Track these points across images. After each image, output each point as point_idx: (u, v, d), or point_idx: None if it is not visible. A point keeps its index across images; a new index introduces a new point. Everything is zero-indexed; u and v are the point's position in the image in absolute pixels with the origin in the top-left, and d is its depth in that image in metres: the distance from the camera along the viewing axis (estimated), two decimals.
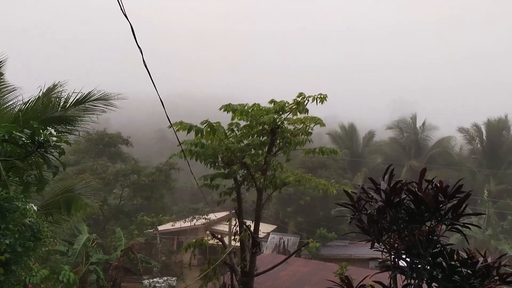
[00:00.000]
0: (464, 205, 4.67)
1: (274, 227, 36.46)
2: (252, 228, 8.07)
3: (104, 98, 6.48)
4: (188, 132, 6.03)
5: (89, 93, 6.38)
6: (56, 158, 4.19)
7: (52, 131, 3.96)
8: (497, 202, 32.50)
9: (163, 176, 29.04)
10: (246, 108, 7.46)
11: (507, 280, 4.77)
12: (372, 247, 5.41)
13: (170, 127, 5.73)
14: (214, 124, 6.67)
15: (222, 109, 6.92)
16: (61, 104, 6.38)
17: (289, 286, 17.34)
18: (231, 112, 7.31)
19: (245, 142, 7.80)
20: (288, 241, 31.89)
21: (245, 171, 7.82)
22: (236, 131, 7.82)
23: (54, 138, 3.89)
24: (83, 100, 6.39)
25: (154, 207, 31.00)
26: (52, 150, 4.00)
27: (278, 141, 8.08)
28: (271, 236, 33.27)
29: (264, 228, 34.97)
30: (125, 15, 3.69)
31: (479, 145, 39.40)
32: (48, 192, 7.33)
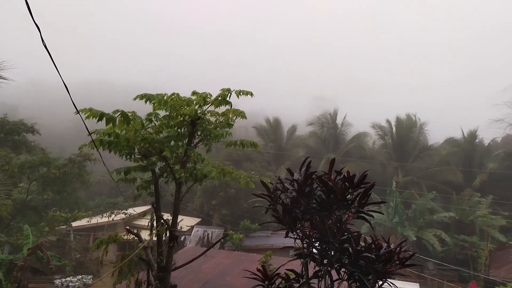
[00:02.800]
0: (369, 194, 5.01)
1: (198, 220, 36.19)
2: (170, 222, 7.84)
3: None
4: (99, 120, 5.60)
5: None
6: None
7: None
8: (404, 192, 35.79)
9: (76, 168, 26.98)
10: (165, 98, 7.18)
11: (406, 263, 5.24)
12: (286, 235, 5.56)
13: (77, 113, 5.29)
14: (129, 114, 6.30)
15: (138, 98, 6.55)
16: None
17: (211, 278, 17.30)
18: (149, 102, 6.97)
19: (164, 133, 7.52)
20: (212, 234, 31.86)
21: (164, 164, 7.55)
22: (155, 122, 7.50)
23: None
24: None
25: (67, 202, 28.80)
26: None
27: (198, 133, 7.92)
28: (195, 229, 32.96)
29: (188, 222, 34.58)
30: None
31: (389, 140, 42.90)
32: None
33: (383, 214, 31.20)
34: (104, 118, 5.62)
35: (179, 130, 7.67)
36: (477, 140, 41.68)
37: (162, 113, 7.68)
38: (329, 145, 45.42)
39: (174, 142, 7.66)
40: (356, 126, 47.40)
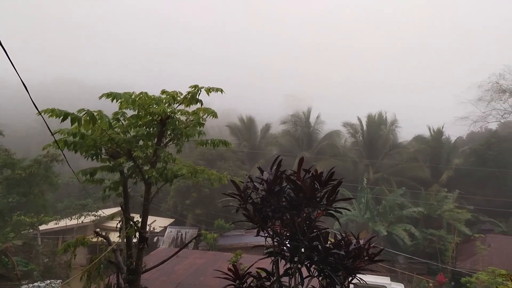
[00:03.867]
0: (337, 191, 5.09)
1: (172, 220, 35.76)
2: (140, 223, 7.69)
3: None
4: (63, 120, 5.40)
5: None
6: None
7: None
8: (374, 189, 36.63)
9: (42, 169, 25.99)
10: (133, 96, 7.03)
11: (375, 259, 5.36)
12: (257, 234, 5.57)
13: (39, 115, 5.08)
14: (95, 113, 6.12)
15: (104, 97, 6.37)
16: None
17: (184, 279, 17.14)
18: (115, 100, 6.80)
19: (132, 133, 7.36)
20: (186, 234, 31.54)
21: (132, 164, 7.39)
22: (123, 121, 7.33)
23: None
24: None
25: (34, 205, 27.72)
26: None
27: (169, 132, 7.81)
28: (168, 229, 32.55)
29: (161, 222, 34.13)
30: None
31: (361, 138, 43.81)
32: None
33: (350, 210, 31.80)
34: (68, 117, 5.44)
35: (148, 129, 7.54)
36: (443, 137, 43.16)
37: (131, 112, 7.53)
38: (303, 144, 45.91)
39: (143, 142, 7.52)
40: (329, 124, 48.20)
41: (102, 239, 8.50)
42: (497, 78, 53.66)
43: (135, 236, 7.33)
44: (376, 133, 42.44)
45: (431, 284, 25.81)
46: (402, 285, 25.29)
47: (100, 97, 6.33)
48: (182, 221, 35.88)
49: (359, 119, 43.33)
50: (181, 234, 31.72)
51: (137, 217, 7.91)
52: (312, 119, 46.85)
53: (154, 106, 7.22)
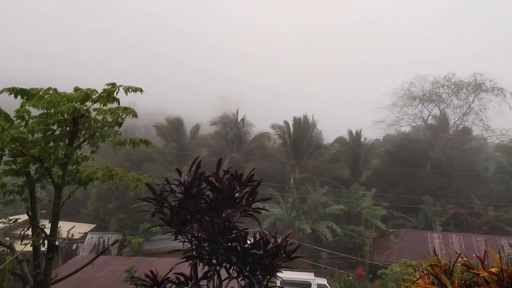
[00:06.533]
0: (256, 192, 5.15)
1: (93, 226, 33.66)
2: (50, 230, 7.09)
3: None
4: None
5: None
6: None
7: None
8: (300, 188, 38.03)
9: None
10: (41, 93, 6.46)
11: (292, 256, 5.51)
12: (175, 238, 5.42)
13: None
14: None
15: (5, 92, 5.76)
16: None
17: (105, 287, 16.24)
18: (20, 97, 6.19)
19: (40, 133, 6.75)
20: (109, 240, 29.91)
21: (40, 166, 6.78)
22: (28, 119, 6.68)
23: None
24: None
25: None
26: None
27: (82, 132, 7.31)
28: (89, 236, 30.62)
29: (81, 228, 32.02)
30: None
31: (288, 140, 45.21)
32: None
33: (268, 211, 32.71)
34: None
35: (59, 129, 6.99)
36: (362, 140, 46.26)
37: (41, 111, 6.91)
38: (233, 145, 46.12)
39: (53, 143, 6.95)
40: (258, 126, 49.06)
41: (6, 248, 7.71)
42: (409, 86, 59.11)
43: (43, 245, 6.74)
44: (301, 135, 44.05)
45: (351, 277, 27.43)
46: (325, 280, 26.57)
47: (1, 92, 5.71)
48: (104, 227, 33.92)
49: (285, 122, 44.69)
50: (103, 240, 30.04)
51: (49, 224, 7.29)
52: (242, 121, 47.32)
53: (65, 104, 6.71)
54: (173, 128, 46.97)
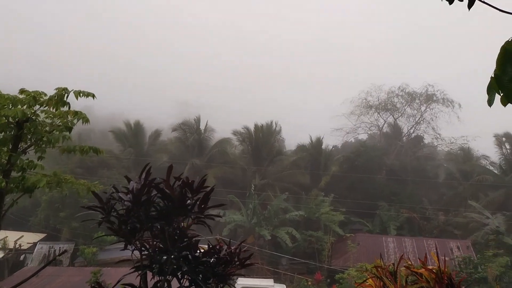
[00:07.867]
0: (208, 198, 5.09)
1: (43, 235, 31.96)
2: None
3: None
4: None
5: None
6: None
7: None
8: (261, 194, 38.19)
9: None
10: None
11: (246, 263, 5.49)
12: (125, 248, 5.25)
13: None
14: None
15: None
16: None
17: None
18: None
19: None
20: (60, 250, 28.48)
21: None
22: None
23: None
24: None
25: None
26: None
27: (29, 137, 6.94)
28: (38, 245, 29.04)
29: (30, 238, 30.42)
30: None
31: (249, 146, 45.35)
32: None
33: (221, 217, 32.63)
34: None
35: (2, 133, 6.60)
36: (322, 146, 47.32)
37: None
38: (194, 151, 45.56)
39: None
40: (220, 132, 48.78)
41: None
42: (365, 95, 61.34)
43: None
44: (262, 141, 44.34)
45: (309, 283, 27.80)
46: (284, 286, 26.72)
47: None
48: (55, 236, 32.26)
49: (246, 128, 44.82)
50: (54, 250, 28.58)
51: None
52: (203, 126, 46.93)
53: (10, 107, 6.36)
54: (132, 133, 45.67)
